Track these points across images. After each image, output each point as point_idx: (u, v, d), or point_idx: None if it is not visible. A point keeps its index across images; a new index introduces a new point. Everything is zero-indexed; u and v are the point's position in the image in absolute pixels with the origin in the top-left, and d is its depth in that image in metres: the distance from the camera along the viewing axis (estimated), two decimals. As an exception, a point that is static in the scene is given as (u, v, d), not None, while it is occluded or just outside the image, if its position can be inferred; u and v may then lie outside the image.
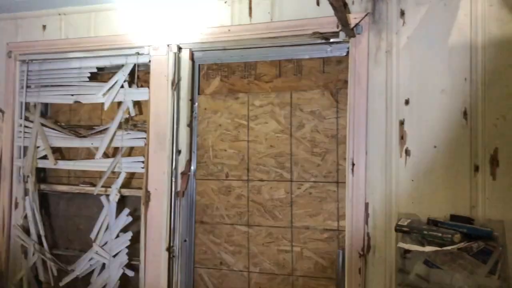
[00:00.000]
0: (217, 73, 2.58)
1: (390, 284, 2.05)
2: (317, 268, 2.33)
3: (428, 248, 1.83)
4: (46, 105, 2.89)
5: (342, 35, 2.19)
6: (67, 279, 2.60)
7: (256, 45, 2.43)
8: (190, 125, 2.53)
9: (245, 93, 2.51)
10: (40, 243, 2.72)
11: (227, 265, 2.49)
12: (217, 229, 2.52)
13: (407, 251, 1.97)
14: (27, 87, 2.82)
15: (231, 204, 2.50)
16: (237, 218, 2.48)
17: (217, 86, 2.57)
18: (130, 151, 2.67)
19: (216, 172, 2.53)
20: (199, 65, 2.60)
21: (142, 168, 2.53)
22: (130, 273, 2.49)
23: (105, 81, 2.68)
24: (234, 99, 2.52)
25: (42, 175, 2.86)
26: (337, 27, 2.17)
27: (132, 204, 2.60)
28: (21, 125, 2.82)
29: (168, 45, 2.49)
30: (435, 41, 2.04)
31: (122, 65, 2.61)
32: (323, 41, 2.28)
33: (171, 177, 2.48)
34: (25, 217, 2.76)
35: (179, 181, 2.50)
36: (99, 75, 2.76)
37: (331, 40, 2.26)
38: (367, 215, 2.11)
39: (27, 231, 2.75)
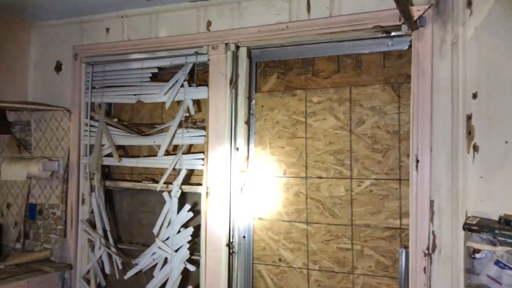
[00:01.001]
0: (274, 70, 2.58)
1: (458, 285, 1.97)
2: (379, 266, 2.29)
3: (500, 248, 1.74)
4: (109, 104, 3.01)
5: (404, 28, 2.13)
6: (131, 272, 2.69)
7: (314, 41, 2.41)
8: (247, 122, 2.55)
9: (302, 89, 2.50)
10: (106, 237, 2.84)
11: (286, 262, 2.49)
12: (275, 226, 2.52)
13: (476, 251, 1.89)
14: (92, 88, 2.94)
15: (290, 201, 2.50)
16: (295, 215, 2.48)
17: (274, 83, 2.58)
18: (190, 149, 2.73)
19: (274, 169, 2.54)
20: (256, 62, 2.62)
21: (202, 165, 2.57)
22: (192, 268, 2.54)
23: (165, 81, 2.75)
24: (291, 96, 2.52)
25: (106, 171, 2.98)
26: (399, 20, 2.12)
27: (192, 200, 2.65)
28: (86, 125, 2.95)
29: (226, 44, 2.52)
30: (505, 31, 1.94)
31: (182, 65, 2.67)
32: (384, 35, 2.22)
33: (230, 174, 2.51)
34: (92, 212, 2.89)
35: (238, 178, 2.53)
36: (159, 75, 2.84)
37: (393, 33, 2.20)
38: (432, 213, 2.04)
39: (93, 225, 2.88)
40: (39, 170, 2.91)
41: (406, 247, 2.16)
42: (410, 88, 2.13)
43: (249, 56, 2.56)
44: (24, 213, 3.13)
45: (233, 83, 2.52)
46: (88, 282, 2.84)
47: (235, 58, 2.54)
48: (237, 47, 2.52)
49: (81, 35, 2.98)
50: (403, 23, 2.11)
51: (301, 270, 2.45)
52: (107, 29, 2.88)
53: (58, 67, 3.05)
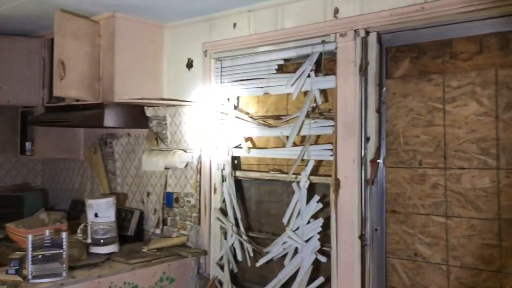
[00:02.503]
0: (406, 55, 2.44)
1: None
2: (533, 267, 2.06)
3: None
4: (237, 97, 3.10)
5: None
6: (262, 260, 2.77)
7: (452, 21, 2.23)
8: (378, 111, 2.46)
9: (439, 74, 2.33)
10: (237, 226, 2.95)
11: (422, 257, 2.36)
12: (410, 219, 2.40)
13: None
14: (221, 82, 3.06)
15: (426, 194, 2.35)
16: (432, 208, 2.33)
17: (406, 69, 2.44)
18: (317, 139, 2.71)
19: (408, 159, 2.41)
20: (386, 48, 2.50)
21: (331, 155, 2.54)
22: (323, 259, 2.53)
23: (290, 72, 2.76)
24: (426, 81, 2.36)
25: (236, 162, 3.09)
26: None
27: (321, 191, 2.63)
28: (217, 118, 3.07)
29: (355, 31, 2.44)
30: None
31: (308, 55, 2.65)
32: (539, 8, 1.98)
33: (361, 164, 2.44)
34: (223, 201, 3.02)
35: (369, 169, 2.45)
36: (285, 66, 2.85)
37: (550, 5, 1.95)
38: None
39: (225, 214, 3.01)
40: (175, 161, 3.12)
41: None
42: None
43: (379, 41, 2.45)
44: (162, 201, 3.38)
45: (363, 70, 2.44)
46: (221, 267, 2.99)
47: (364, 44, 2.45)
48: (367, 33, 2.43)
49: (210, 32, 3.11)
50: None
51: (440, 266, 2.31)
52: (234, 25, 2.97)
53: (190, 64, 3.23)
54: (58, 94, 2.97)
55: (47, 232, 2.51)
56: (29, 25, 3.54)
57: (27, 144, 3.85)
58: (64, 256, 2.47)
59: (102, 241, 2.97)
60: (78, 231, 3.09)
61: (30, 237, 2.43)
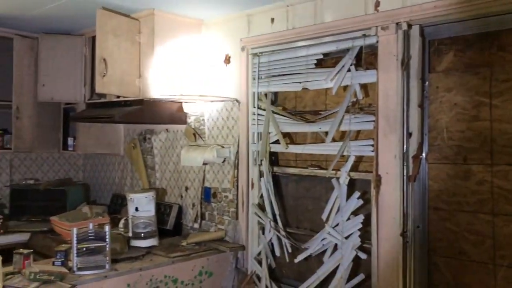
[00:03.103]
0: (450, 48, 2.37)
1: None
2: None
3: None
4: (274, 93, 3.10)
5: None
6: (301, 256, 2.75)
7: (500, 12, 2.14)
8: (421, 105, 2.40)
9: (486, 67, 2.25)
10: (275, 221, 2.95)
11: (467, 256, 2.29)
12: (454, 216, 2.34)
13: None
14: (259, 78, 3.06)
15: (471, 191, 2.29)
16: (478, 205, 2.26)
17: (450, 62, 2.37)
18: (357, 135, 2.67)
19: (452, 155, 2.35)
20: (429, 40, 2.44)
21: (372, 151, 2.50)
22: (363, 256, 2.50)
23: (330, 67, 2.73)
24: (472, 74, 2.29)
25: (273, 158, 3.09)
26: None
27: (361, 187, 2.60)
28: (254, 113, 3.08)
29: (397, 24, 2.39)
30: None
31: (348, 49, 2.61)
32: None
33: (402, 160, 2.40)
34: (261, 196, 3.02)
35: (411, 165, 2.40)
36: (324, 61, 2.82)
37: None
38: None
39: (262, 209, 3.01)
40: (213, 156, 3.14)
41: None
42: None
43: (422, 34, 2.39)
44: (200, 195, 3.42)
45: (405, 64, 2.38)
46: (259, 263, 3.00)
47: (407, 37, 2.40)
48: (409, 26, 2.38)
49: (248, 28, 3.11)
50: None
51: (486, 265, 2.24)
52: (272, 20, 2.96)
53: (227, 60, 3.24)
54: (100, 90, 3.04)
55: (90, 226, 2.58)
56: (71, 24, 3.64)
57: (69, 140, 3.96)
58: (107, 249, 2.53)
59: (142, 234, 3.03)
60: (120, 224, 3.17)
61: (74, 230, 2.51)
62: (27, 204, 3.98)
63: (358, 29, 2.55)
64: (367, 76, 2.55)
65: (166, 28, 3.18)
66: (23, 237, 3.53)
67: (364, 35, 2.53)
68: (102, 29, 2.94)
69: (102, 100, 3.56)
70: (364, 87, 2.62)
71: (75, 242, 2.48)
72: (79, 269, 2.47)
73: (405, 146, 2.40)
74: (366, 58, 2.59)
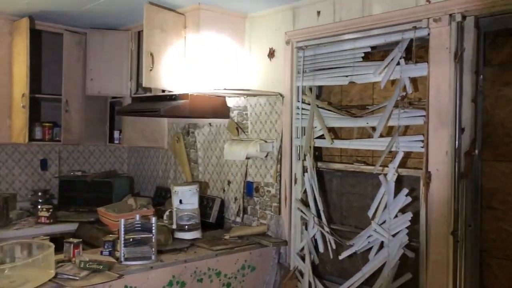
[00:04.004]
0: (508, 40, 2.27)
1: None
2: None
3: None
4: (319, 87, 3.05)
5: None
6: (345, 253, 2.71)
7: None
8: (474, 100, 2.30)
9: (546, 60, 2.14)
10: (319, 217, 2.91)
11: (523, 258, 2.20)
12: (509, 216, 2.24)
13: None
14: (303, 71, 3.02)
15: (528, 189, 2.19)
16: (536, 205, 2.16)
17: (508, 55, 2.27)
18: (405, 130, 2.60)
19: (508, 153, 2.25)
20: (484, 32, 2.33)
21: (421, 147, 2.42)
22: (411, 254, 2.44)
23: (377, 60, 2.66)
24: (531, 68, 2.18)
25: (317, 153, 3.05)
26: None
27: (410, 184, 2.53)
28: (298, 108, 3.05)
29: (450, 15, 2.30)
30: None
31: (397, 42, 2.54)
32: None
33: (454, 157, 2.31)
34: (304, 192, 3.00)
35: (463, 162, 2.31)
36: (371, 54, 2.76)
37: None
38: None
39: (306, 205, 2.99)
40: (256, 151, 3.13)
41: None
42: None
43: (477, 25, 2.29)
44: (242, 190, 3.42)
45: (458, 57, 2.29)
46: (302, 258, 2.97)
47: (460, 29, 2.30)
48: (463, 17, 2.28)
49: (293, 21, 3.08)
50: None
51: (544, 268, 2.14)
52: (318, 12, 2.91)
53: (271, 54, 3.22)
54: (148, 85, 3.09)
55: (137, 217, 2.63)
56: (118, 19, 3.72)
57: (115, 133, 4.06)
58: (153, 240, 2.57)
59: (186, 227, 3.07)
60: (164, 216, 3.21)
61: (122, 221, 2.56)
62: (75, 195, 4.11)
63: (408, 21, 2.47)
64: (417, 70, 2.47)
65: (211, 23, 3.19)
66: (71, 227, 3.65)
67: (415, 27, 2.45)
68: (149, 24, 2.98)
69: (148, 94, 3.62)
70: (413, 81, 2.54)
71: (122, 232, 2.53)
72: (126, 259, 2.52)
73: (457, 142, 2.31)
74: (416, 51, 2.51)
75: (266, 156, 3.22)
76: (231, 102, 3.52)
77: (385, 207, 2.55)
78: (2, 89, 3.72)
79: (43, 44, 4.08)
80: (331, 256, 2.85)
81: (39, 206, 3.67)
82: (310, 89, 3.01)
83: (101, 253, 2.59)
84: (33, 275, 2.15)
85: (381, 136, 2.63)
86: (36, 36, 3.83)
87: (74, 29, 3.92)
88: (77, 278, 2.25)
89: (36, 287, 2.13)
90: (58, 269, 2.30)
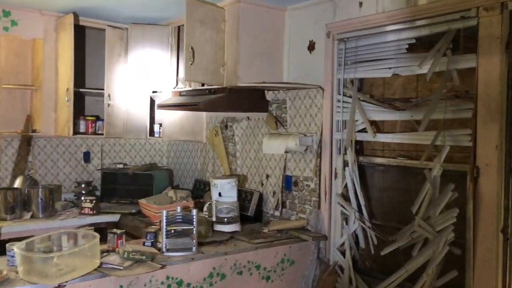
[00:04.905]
0: None
1: None
2: None
3: None
4: (360, 80, 3.00)
5: None
6: (388, 249, 2.66)
7: None
8: (527, 92, 2.21)
9: None
10: (360, 212, 2.87)
11: None
12: None
13: None
14: (344, 64, 2.97)
15: None
16: None
17: None
18: (451, 124, 2.51)
19: None
20: (538, 21, 2.23)
21: (469, 141, 2.34)
22: (457, 251, 2.36)
23: (422, 51, 2.59)
24: None
25: (357, 147, 3.00)
26: None
27: (456, 180, 2.45)
28: (339, 101, 3.01)
29: (502, 3, 2.20)
30: None
31: (444, 32, 2.46)
32: None
33: (505, 151, 2.22)
34: (345, 186, 2.96)
35: (514, 156, 2.22)
36: (415, 46, 2.68)
37: None
38: None
39: (346, 199, 2.94)
40: (296, 144, 3.11)
41: None
42: None
43: (531, 14, 2.19)
44: (281, 184, 3.41)
45: (510, 47, 2.20)
46: (342, 253, 2.94)
47: (513, 18, 2.21)
48: (516, 5, 2.19)
49: (334, 13, 3.03)
50: None
51: None
52: (360, 3, 2.85)
53: (311, 47, 3.18)
54: (188, 79, 3.12)
55: (179, 209, 2.66)
56: (158, 14, 3.77)
57: (155, 126, 4.11)
58: (194, 232, 2.60)
59: (225, 219, 3.08)
60: (204, 209, 3.24)
61: (164, 212, 2.60)
62: (117, 187, 4.21)
63: (455, 11, 2.39)
64: (465, 61, 2.38)
65: (250, 16, 3.18)
66: (113, 218, 3.74)
67: (463, 17, 2.36)
68: (190, 18, 3.00)
69: (187, 88, 3.65)
70: (460, 72, 2.45)
71: (164, 224, 2.57)
72: (168, 250, 2.56)
73: (508, 136, 2.22)
74: (464, 41, 2.42)
75: (305, 150, 3.20)
76: (269, 96, 3.50)
77: (430, 202, 2.48)
78: (48, 84, 3.84)
79: (86, 40, 4.18)
80: (372, 252, 2.80)
81: (82, 198, 3.78)
82: (351, 81, 2.96)
83: (144, 243, 2.64)
84: (79, 264, 2.21)
85: (426, 129, 2.55)
86: (80, 32, 3.92)
87: (116, 25, 3.99)
88: (121, 268, 2.30)
89: (83, 275, 2.19)
90: (103, 259, 2.36)
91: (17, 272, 2.15)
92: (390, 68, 2.71)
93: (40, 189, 3.56)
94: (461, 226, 2.38)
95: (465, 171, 2.37)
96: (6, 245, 2.28)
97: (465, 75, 2.45)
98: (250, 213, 3.48)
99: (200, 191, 4.03)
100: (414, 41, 2.63)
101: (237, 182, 3.19)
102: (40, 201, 3.52)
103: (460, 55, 2.40)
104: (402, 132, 2.72)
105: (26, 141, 4.01)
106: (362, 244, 2.86)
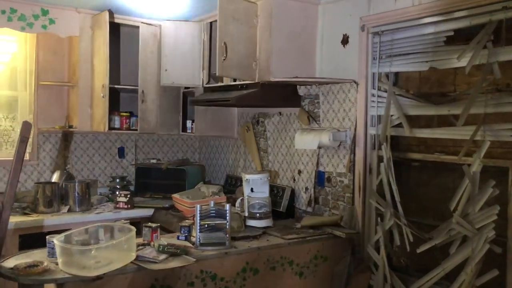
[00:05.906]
0: None
1: None
2: None
3: None
4: (395, 74, 2.94)
5: None
6: (424, 247, 2.59)
7: None
8: None
9: None
10: (395, 209, 2.81)
11: None
12: None
13: None
14: (379, 58, 2.92)
15: None
16: None
17: None
18: (492, 118, 2.43)
19: None
20: None
21: (511, 136, 2.26)
22: (498, 250, 2.29)
23: (461, 44, 2.51)
24: None
25: (392, 143, 2.94)
26: None
27: (496, 175, 2.37)
28: (373, 95, 2.96)
29: (547, -8, 2.12)
30: None
31: (484, 24, 2.38)
32: None
33: (549, 147, 2.14)
34: (380, 183, 2.90)
35: (559, 151, 2.13)
36: (453, 38, 2.60)
37: None
38: None
39: (381, 196, 2.89)
40: (329, 140, 3.07)
41: None
42: None
43: None
44: (313, 179, 3.38)
45: (556, 38, 2.11)
46: (377, 250, 2.89)
47: (559, 7, 2.12)
48: None
49: (368, 6, 2.97)
50: None
51: None
52: (396, -4, 2.80)
53: (345, 40, 3.14)
54: (221, 74, 3.13)
55: (212, 203, 2.68)
56: (190, 10, 3.79)
57: (188, 122, 4.15)
58: (227, 226, 2.61)
59: (258, 215, 3.09)
60: (236, 204, 3.26)
61: (198, 207, 2.61)
62: (150, 182, 4.28)
63: (497, 1, 2.31)
64: (507, 53, 2.30)
65: (283, 11, 3.16)
66: (147, 212, 3.80)
67: (505, 8, 2.28)
68: (223, 13, 3.01)
69: (219, 84, 3.66)
70: (502, 65, 2.37)
71: (198, 218, 2.59)
72: (202, 244, 2.58)
73: (553, 131, 2.14)
74: (506, 33, 2.33)
75: (338, 146, 3.16)
76: (302, 91, 3.48)
77: (468, 199, 2.41)
78: (84, 80, 3.92)
79: (121, 37, 4.25)
80: (408, 249, 2.75)
81: (117, 192, 3.85)
82: (387, 75, 2.90)
83: (178, 237, 2.67)
84: (116, 257, 2.25)
85: (465, 124, 2.48)
86: (114, 29, 3.99)
87: (150, 22, 4.04)
88: (157, 261, 2.33)
89: (120, 268, 2.23)
90: (138, 252, 2.39)
91: (57, 264, 2.21)
92: (426, 61, 2.65)
93: (76, 184, 3.65)
94: (503, 224, 2.30)
95: (506, 167, 2.30)
96: (47, 237, 2.35)
97: (507, 67, 2.37)
98: (282, 209, 3.48)
99: (231, 187, 4.05)
100: (452, 33, 2.56)
101: (269, 178, 3.19)
102: (76, 195, 3.62)
103: (501, 47, 2.32)
104: (439, 127, 2.65)
105: (65, 137, 4.12)
106: (397, 241, 2.80)
